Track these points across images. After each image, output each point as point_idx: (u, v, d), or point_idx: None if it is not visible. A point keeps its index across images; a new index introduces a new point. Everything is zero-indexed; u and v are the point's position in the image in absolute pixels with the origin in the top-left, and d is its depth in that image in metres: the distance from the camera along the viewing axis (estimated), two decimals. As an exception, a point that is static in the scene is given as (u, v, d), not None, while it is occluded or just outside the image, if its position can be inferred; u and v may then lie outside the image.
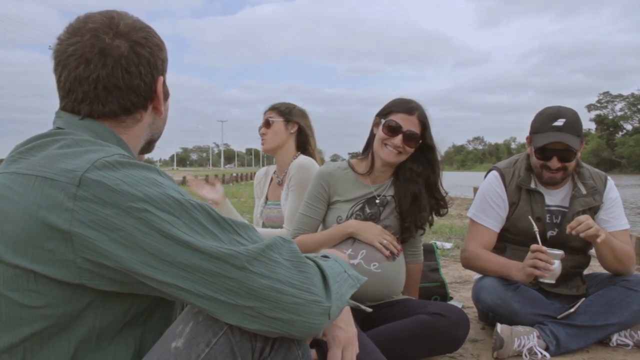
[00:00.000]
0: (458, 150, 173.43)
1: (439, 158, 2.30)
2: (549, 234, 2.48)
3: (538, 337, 2.26)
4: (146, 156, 1.28)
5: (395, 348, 1.99)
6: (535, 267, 2.18)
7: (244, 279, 0.88)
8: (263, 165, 4.18)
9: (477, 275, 2.65)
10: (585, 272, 2.64)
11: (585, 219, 2.25)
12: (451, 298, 2.99)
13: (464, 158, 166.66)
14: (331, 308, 0.95)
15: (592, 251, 2.54)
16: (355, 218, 2.24)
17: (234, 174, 44.32)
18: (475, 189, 3.46)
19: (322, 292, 0.94)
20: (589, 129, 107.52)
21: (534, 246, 2.22)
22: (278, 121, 2.76)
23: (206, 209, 0.92)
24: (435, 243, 3.14)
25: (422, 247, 2.51)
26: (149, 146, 1.19)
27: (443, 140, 2.31)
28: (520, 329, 2.27)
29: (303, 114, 2.84)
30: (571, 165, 2.43)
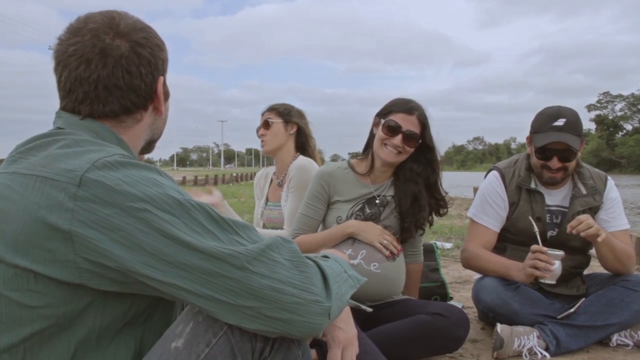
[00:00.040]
0: (458, 150, 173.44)
1: (439, 158, 2.30)
2: (549, 234, 2.48)
3: (538, 337, 2.26)
4: (146, 156, 1.28)
5: (395, 348, 1.99)
6: (536, 268, 2.18)
7: (244, 278, 0.88)
8: (263, 165, 4.18)
9: (477, 275, 2.65)
10: (585, 272, 2.64)
11: (585, 218, 2.25)
12: (451, 298, 2.99)
13: (464, 158, 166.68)
14: (331, 308, 0.95)
15: (592, 251, 2.54)
16: (355, 218, 2.24)
17: (234, 174, 44.36)
18: (475, 189, 3.46)
19: (323, 292, 0.94)
20: (589, 129, 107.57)
21: (534, 247, 2.22)
22: (277, 122, 2.76)
23: (206, 209, 0.92)
24: (435, 243, 3.14)
25: (422, 247, 2.51)
26: (149, 146, 1.19)
27: (443, 140, 2.31)
28: (520, 329, 2.27)
29: (301, 115, 2.85)
30: (571, 165, 2.43)
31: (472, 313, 2.79)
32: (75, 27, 1.03)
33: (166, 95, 1.13)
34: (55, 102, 1.08)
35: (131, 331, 0.99)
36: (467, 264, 2.59)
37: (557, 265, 2.17)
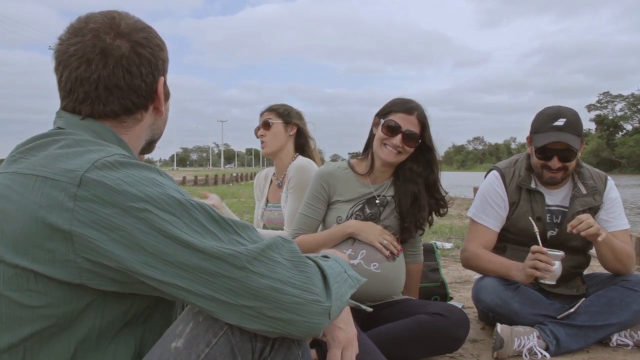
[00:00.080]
0: (458, 150, 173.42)
1: (439, 158, 2.30)
2: (549, 233, 2.48)
3: (538, 337, 2.26)
4: (146, 156, 1.28)
5: (395, 348, 1.99)
6: (536, 268, 2.18)
7: (244, 278, 0.88)
8: (263, 165, 4.19)
9: (477, 275, 2.65)
10: (585, 272, 2.64)
11: (586, 217, 2.25)
12: (451, 298, 2.99)
13: (464, 158, 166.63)
14: (331, 308, 0.95)
15: (592, 251, 2.54)
16: (355, 218, 2.25)
17: (234, 174, 44.36)
18: (475, 189, 3.46)
19: (323, 292, 0.94)
20: (589, 129, 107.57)
21: (534, 247, 2.22)
22: (277, 123, 2.75)
23: (206, 209, 0.92)
24: (435, 243, 3.14)
25: (422, 247, 2.51)
26: (149, 146, 1.20)
27: (442, 140, 2.31)
28: (520, 329, 2.28)
29: (300, 116, 2.85)
30: (571, 165, 2.43)
31: (472, 313, 2.79)
32: (75, 27, 1.03)
33: (166, 95, 1.13)
34: (55, 102, 1.08)
35: (131, 331, 0.99)
36: (467, 264, 2.59)
37: (557, 266, 2.17)
